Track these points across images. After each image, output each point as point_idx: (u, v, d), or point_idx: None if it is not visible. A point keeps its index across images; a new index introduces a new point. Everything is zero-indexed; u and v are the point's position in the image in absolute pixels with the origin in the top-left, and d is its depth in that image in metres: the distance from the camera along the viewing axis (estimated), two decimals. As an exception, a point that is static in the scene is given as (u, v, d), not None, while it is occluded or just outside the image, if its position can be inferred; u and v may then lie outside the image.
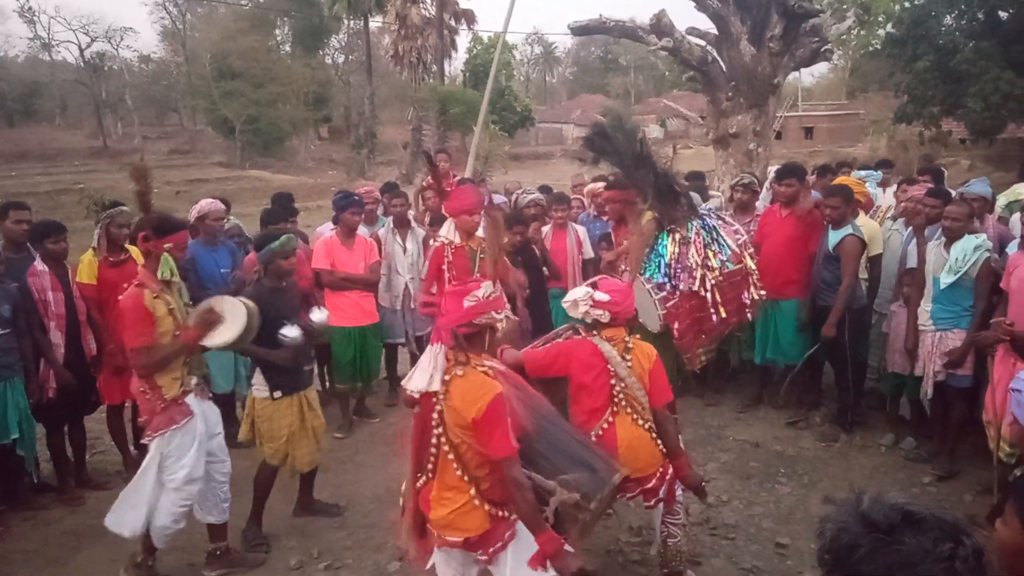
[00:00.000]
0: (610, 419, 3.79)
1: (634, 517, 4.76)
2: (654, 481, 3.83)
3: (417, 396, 3.24)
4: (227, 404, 5.93)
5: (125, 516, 4.19)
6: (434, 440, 3.22)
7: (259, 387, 4.63)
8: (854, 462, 5.64)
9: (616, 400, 3.80)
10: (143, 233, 4.05)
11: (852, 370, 5.93)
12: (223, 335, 4.20)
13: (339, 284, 6.29)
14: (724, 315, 5.49)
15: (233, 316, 4.23)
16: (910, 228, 5.89)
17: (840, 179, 6.68)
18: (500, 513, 3.22)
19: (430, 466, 3.29)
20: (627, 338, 3.91)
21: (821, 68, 57.82)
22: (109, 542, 4.89)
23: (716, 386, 6.94)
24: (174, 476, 4.14)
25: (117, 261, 5.50)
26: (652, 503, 3.90)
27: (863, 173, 7.68)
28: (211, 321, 4.14)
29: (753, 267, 5.66)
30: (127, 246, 5.60)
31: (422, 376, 3.17)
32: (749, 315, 5.82)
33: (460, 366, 3.12)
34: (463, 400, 3.06)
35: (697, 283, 5.32)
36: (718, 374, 7.00)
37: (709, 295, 5.41)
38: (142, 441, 4.32)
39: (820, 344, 5.87)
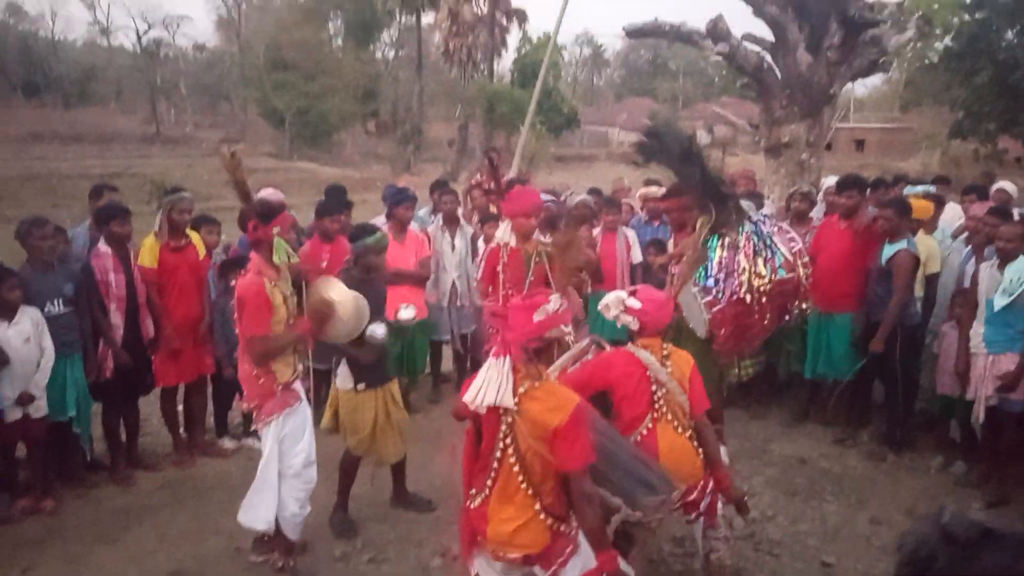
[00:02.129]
0: (650, 425, 3.70)
1: (676, 527, 4.71)
2: (695, 493, 3.75)
3: (483, 411, 3.09)
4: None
5: (257, 511, 4.20)
6: (498, 454, 3.10)
7: (343, 378, 4.65)
8: (902, 483, 5.54)
9: (657, 407, 3.72)
10: (252, 222, 4.01)
11: (902, 389, 5.82)
12: (336, 328, 4.18)
13: (390, 279, 6.33)
14: (766, 323, 5.39)
15: (344, 307, 4.19)
16: (970, 247, 5.77)
17: (915, 201, 6.38)
18: (561, 528, 3.14)
19: (489, 482, 3.17)
20: (664, 346, 3.86)
21: (874, 80, 56.68)
22: (159, 521, 5.02)
23: (762, 399, 6.87)
24: (292, 462, 4.17)
25: (178, 246, 5.62)
26: (692, 516, 3.82)
27: (919, 189, 7.51)
28: (324, 314, 4.10)
29: (804, 277, 5.54)
30: (188, 231, 5.73)
31: (491, 390, 3.03)
32: (788, 319, 5.67)
33: (533, 379, 3.06)
34: (544, 410, 2.98)
35: (743, 289, 5.24)
36: (765, 386, 6.92)
37: (755, 302, 5.29)
38: (252, 428, 4.34)
39: (868, 359, 5.78)
